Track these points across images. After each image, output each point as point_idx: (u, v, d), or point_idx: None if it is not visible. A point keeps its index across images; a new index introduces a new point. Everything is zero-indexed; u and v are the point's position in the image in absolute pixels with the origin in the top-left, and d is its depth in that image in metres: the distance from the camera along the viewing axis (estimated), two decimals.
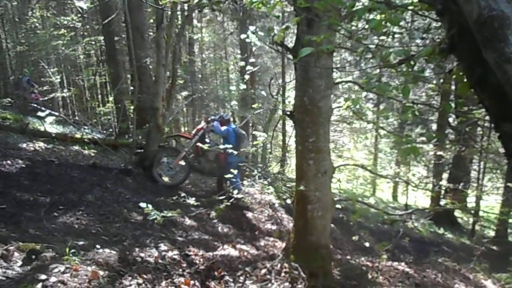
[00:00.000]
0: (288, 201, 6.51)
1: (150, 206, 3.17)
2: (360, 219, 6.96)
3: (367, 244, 5.77)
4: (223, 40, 14.01)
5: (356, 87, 7.51)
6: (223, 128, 6.18)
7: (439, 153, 9.20)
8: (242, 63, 9.65)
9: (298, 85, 3.31)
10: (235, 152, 4.88)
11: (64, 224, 3.70)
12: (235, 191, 4.30)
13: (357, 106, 4.72)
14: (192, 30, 11.69)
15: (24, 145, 6.18)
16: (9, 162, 5.21)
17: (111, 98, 9.49)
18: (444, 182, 10.09)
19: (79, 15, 9.71)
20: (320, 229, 3.70)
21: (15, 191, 4.25)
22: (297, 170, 3.62)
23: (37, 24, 9.91)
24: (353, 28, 2.83)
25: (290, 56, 3.60)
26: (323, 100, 3.27)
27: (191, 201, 4.11)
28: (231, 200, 4.11)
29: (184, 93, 10.08)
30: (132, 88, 8.43)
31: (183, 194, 5.30)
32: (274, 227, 5.99)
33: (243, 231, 5.57)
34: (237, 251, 4.20)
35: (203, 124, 6.50)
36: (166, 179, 6.45)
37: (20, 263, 2.59)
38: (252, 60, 9.61)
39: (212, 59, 14.81)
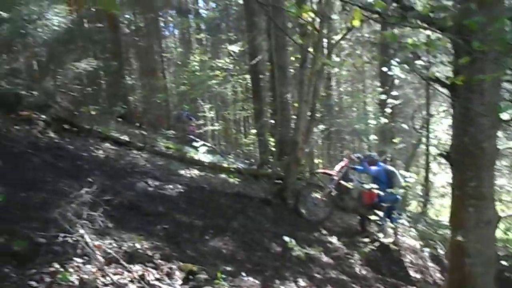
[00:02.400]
0: (440, 251, 5.84)
1: (293, 241, 3.23)
2: None
3: None
4: (361, 72, 13.85)
5: None
6: (373, 168, 6.09)
7: None
8: (383, 96, 9.34)
9: (456, 123, 3.02)
10: (387, 191, 4.73)
11: (214, 248, 4.03)
12: (381, 234, 4.08)
13: None
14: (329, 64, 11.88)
15: (183, 172, 7.07)
16: (171, 186, 6.00)
17: (253, 131, 10.22)
18: None
19: (230, 57, 10.94)
20: (480, 287, 3.19)
21: (175, 213, 4.85)
22: (453, 217, 3.23)
23: (197, 67, 11.52)
24: None
25: (443, 90, 3.33)
26: (488, 141, 2.89)
27: (333, 239, 4.04)
28: (376, 244, 3.90)
29: (321, 127, 10.21)
30: (273, 121, 8.92)
31: (324, 232, 5.26)
32: (418, 276, 5.44)
33: (383, 275, 5.20)
34: None
35: (346, 161, 6.46)
36: (309, 214, 6.49)
37: (180, 282, 2.91)
38: (394, 92, 9.21)
39: (350, 92, 14.73)
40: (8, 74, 6.68)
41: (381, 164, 6.25)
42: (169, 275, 2.92)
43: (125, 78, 11.83)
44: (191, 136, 9.19)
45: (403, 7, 2.04)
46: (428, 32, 3.01)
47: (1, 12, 6.13)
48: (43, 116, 6.59)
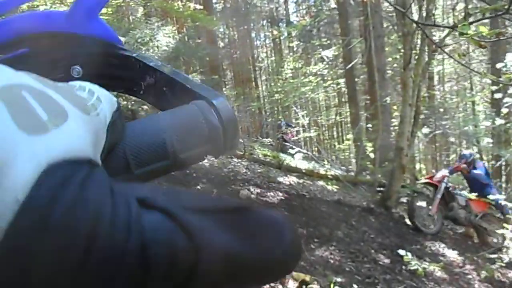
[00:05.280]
0: None
1: (409, 254, 3.06)
2: None
3: None
4: (468, 70, 12.60)
5: None
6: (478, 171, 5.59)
7: None
8: (498, 95, 8.38)
9: None
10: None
11: (321, 257, 4.02)
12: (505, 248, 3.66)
13: None
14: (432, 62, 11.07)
15: (281, 179, 7.18)
16: (271, 194, 6.14)
17: (349, 136, 9.96)
18: None
19: (324, 62, 10.86)
20: None
21: None
22: None
23: (289, 75, 11.67)
24: None
25: None
26: None
27: (447, 252, 3.74)
28: (504, 259, 3.51)
29: (425, 130, 9.53)
30: (370, 126, 8.61)
31: (437, 244, 4.91)
32: None
33: None
34: None
35: (456, 165, 6.01)
36: (421, 224, 6.10)
37: None
38: (510, 90, 8.22)
39: (455, 91, 13.51)
40: (119, 95, 7.55)
41: (480, 162, 5.81)
42: (283, 283, 2.98)
43: (222, 89, 12.48)
44: (288, 144, 9.30)
45: None
46: None
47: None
48: None
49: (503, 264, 3.50)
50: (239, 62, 16.53)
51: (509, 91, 8.30)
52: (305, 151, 8.72)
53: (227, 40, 16.99)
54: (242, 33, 16.13)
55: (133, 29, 7.70)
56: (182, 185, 5.21)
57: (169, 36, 8.29)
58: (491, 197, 4.98)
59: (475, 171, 5.83)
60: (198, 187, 5.33)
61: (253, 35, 17.73)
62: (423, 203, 5.97)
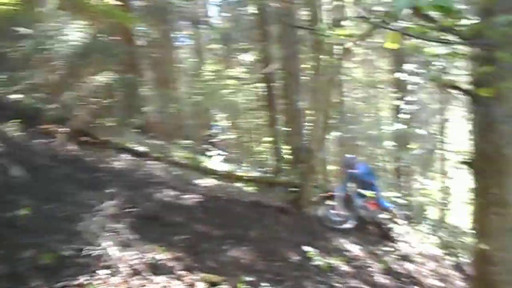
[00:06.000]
0: (462, 258, 5.75)
1: (313, 250, 3.22)
2: None
3: None
4: (374, 79, 13.78)
5: None
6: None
7: None
8: (398, 103, 9.28)
9: (477, 130, 2.99)
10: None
11: (233, 258, 4.05)
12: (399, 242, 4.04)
13: None
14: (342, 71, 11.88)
15: (199, 181, 7.11)
16: (187, 196, 6.04)
17: (267, 139, 10.24)
18: None
19: (243, 66, 11.03)
20: None
21: (194, 223, 4.88)
22: (476, 224, 3.19)
23: (210, 77, 11.63)
24: None
25: (463, 97, 3.31)
26: (510, 147, 2.86)
27: (352, 248, 4.02)
28: (396, 252, 3.87)
29: (335, 134, 10.19)
30: (286, 130, 8.95)
31: (342, 240, 5.24)
32: (439, 284, 5.35)
33: (403, 284, 5.13)
34: None
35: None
36: (331, 222, 6.47)
37: None
38: (408, 98, 9.15)
39: (363, 98, 14.65)
40: (28, 89, 6.86)
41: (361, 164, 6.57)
42: (192, 286, 2.94)
43: (140, 90, 11.99)
44: (217, 148, 9.14)
45: (426, 19, 2.05)
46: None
47: (22, 28, 6.31)
48: (62, 129, 6.73)
49: (397, 256, 3.86)
50: (159, 62, 16.02)
51: (406, 98, 9.28)
52: (223, 153, 8.75)
53: (146, 39, 16.38)
54: (162, 33, 15.68)
55: (39, 21, 7.06)
56: (90, 189, 4.89)
57: (80, 31, 7.75)
58: (367, 193, 5.59)
59: (351, 171, 6.41)
60: (107, 191, 5.04)
61: (173, 35, 17.35)
62: (333, 203, 6.37)
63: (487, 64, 2.74)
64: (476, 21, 2.27)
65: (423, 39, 2.23)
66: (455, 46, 2.57)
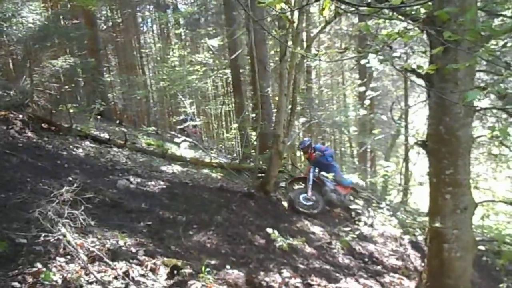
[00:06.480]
0: (419, 237, 6.00)
1: (276, 232, 3.27)
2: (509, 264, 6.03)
3: None
4: (340, 66, 13.98)
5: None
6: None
7: None
8: (362, 88, 9.47)
9: (432, 113, 3.10)
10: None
11: (198, 242, 4.05)
12: (362, 223, 4.18)
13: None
14: (309, 58, 11.96)
15: (165, 168, 7.02)
16: (153, 183, 5.96)
17: (235, 125, 10.21)
18: None
19: (210, 52, 10.88)
20: (459, 272, 3.31)
21: (158, 209, 4.82)
22: (431, 204, 3.33)
23: (176, 62, 11.41)
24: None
25: (419, 81, 3.42)
26: (463, 129, 2.99)
27: (316, 229, 4.11)
28: (356, 233, 3.99)
29: (302, 120, 10.29)
30: (254, 116, 8.95)
31: (307, 222, 5.34)
32: (399, 263, 5.57)
33: (365, 264, 5.31)
34: (361, 286, 4.02)
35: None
36: (299, 205, 6.55)
37: (165, 277, 2.91)
38: (372, 84, 9.35)
39: (329, 85, 14.87)
40: None
41: (319, 146, 6.97)
42: (154, 270, 2.92)
43: (103, 75, 11.61)
44: (191, 138, 9.06)
45: None
46: (404, 23, 3.07)
47: None
48: (20, 116, 6.43)
49: (355, 236, 3.98)
50: (123, 47, 15.54)
51: (371, 85, 9.48)
52: (190, 140, 8.64)
53: (110, 23, 15.79)
54: (127, 16, 15.18)
55: None
56: (49, 176, 4.72)
57: (37, 13, 7.36)
58: (329, 175, 5.78)
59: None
60: (70, 178, 4.88)
61: (139, 20, 16.84)
62: (300, 187, 6.47)
63: (439, 46, 2.84)
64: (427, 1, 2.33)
65: (374, 17, 2.27)
66: (409, 27, 2.63)
